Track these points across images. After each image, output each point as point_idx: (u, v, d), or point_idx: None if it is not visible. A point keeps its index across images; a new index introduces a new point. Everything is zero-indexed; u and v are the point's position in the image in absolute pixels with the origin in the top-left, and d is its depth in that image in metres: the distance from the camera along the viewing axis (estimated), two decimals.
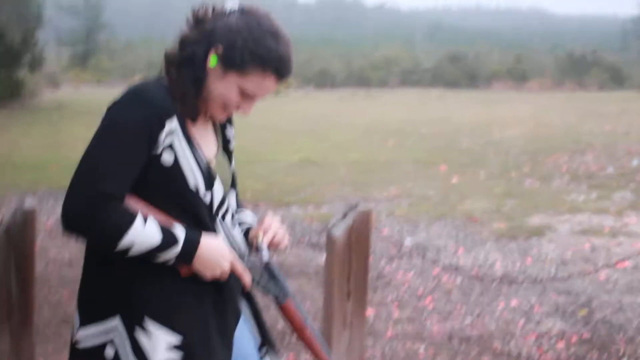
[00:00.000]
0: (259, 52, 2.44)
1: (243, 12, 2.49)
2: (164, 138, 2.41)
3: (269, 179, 13.44)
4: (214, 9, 2.52)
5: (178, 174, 2.43)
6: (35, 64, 32.37)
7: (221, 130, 2.74)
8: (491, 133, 22.62)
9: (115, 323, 2.46)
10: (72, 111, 28.13)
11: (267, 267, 2.63)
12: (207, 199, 2.50)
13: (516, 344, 5.87)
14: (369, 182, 13.35)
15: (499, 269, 7.95)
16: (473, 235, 9.38)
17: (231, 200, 2.70)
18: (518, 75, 63.71)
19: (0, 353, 4.13)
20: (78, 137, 19.70)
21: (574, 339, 5.98)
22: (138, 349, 2.44)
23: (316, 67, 69.75)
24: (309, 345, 2.72)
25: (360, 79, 65.11)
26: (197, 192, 2.46)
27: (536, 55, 78.21)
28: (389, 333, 6.06)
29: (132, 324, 2.44)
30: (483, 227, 9.78)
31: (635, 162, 15.89)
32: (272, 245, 2.65)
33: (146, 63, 62.62)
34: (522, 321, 6.37)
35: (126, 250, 2.36)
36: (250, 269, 2.59)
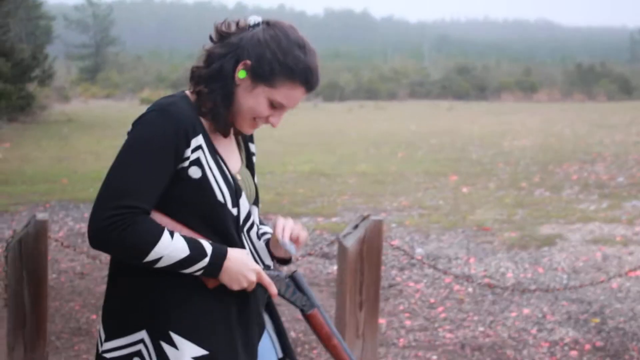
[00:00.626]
0: (287, 64, 2.46)
1: (269, 24, 2.51)
2: (190, 153, 2.42)
3: (278, 190, 13.46)
4: (237, 23, 2.54)
5: (206, 188, 2.45)
6: (45, 79, 32.51)
7: (244, 145, 2.75)
8: (501, 144, 22.61)
9: (142, 336, 2.47)
10: (81, 125, 28.26)
11: (293, 278, 2.64)
12: (235, 213, 2.52)
13: (529, 352, 5.85)
14: (379, 193, 13.35)
15: (510, 278, 7.93)
16: (484, 244, 9.36)
17: (255, 215, 2.71)
18: (527, 86, 63.70)
19: None
20: (88, 150, 19.82)
21: (587, 347, 5.96)
22: None
23: (325, 79, 69.94)
24: (336, 354, 2.72)
25: (369, 91, 65.19)
26: (225, 205, 2.48)
27: (545, 66, 78.31)
28: (402, 342, 6.05)
29: (158, 337, 2.45)
30: (494, 237, 9.76)
31: None
32: (293, 240, 2.65)
33: (155, 76, 62.98)
34: (534, 330, 6.35)
35: (154, 262, 2.37)
36: (276, 279, 2.60)
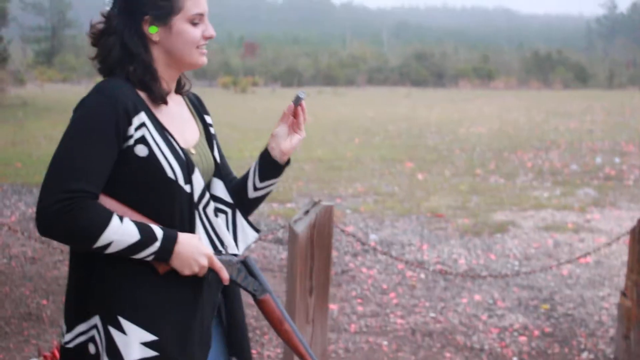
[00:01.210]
0: None
1: None
2: (133, 132, 2.40)
3: (234, 175, 13.39)
4: (101, 13, 2.55)
5: (154, 164, 2.42)
6: (0, 62, 32.08)
7: (200, 118, 2.73)
8: (457, 131, 22.75)
9: (95, 321, 2.45)
10: (37, 108, 27.96)
11: (245, 263, 2.62)
12: (188, 189, 2.49)
13: (479, 338, 5.91)
14: (334, 179, 13.38)
15: (462, 264, 7.99)
16: (438, 231, 9.42)
17: (216, 189, 2.67)
18: (484, 73, 64.16)
19: None
20: (43, 135, 19.63)
21: (536, 333, 6.02)
22: (112, 347, 2.42)
23: (283, 66, 69.84)
24: (287, 339, 2.70)
25: (328, 77, 65.26)
26: (175, 181, 2.45)
27: (502, 54, 78.84)
28: (353, 328, 6.07)
29: (108, 322, 2.43)
30: (448, 224, 9.83)
31: (598, 160, 16.04)
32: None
33: None
34: (484, 316, 6.41)
35: (104, 248, 2.35)
36: (228, 264, 2.58)
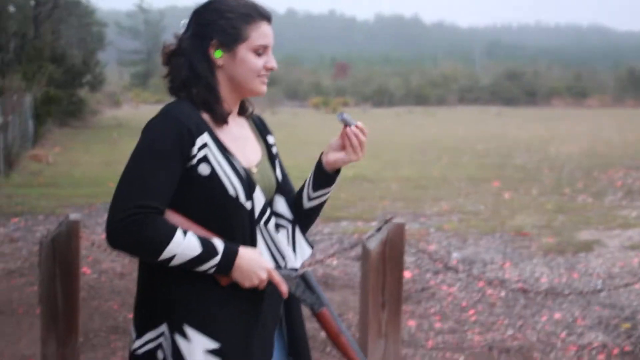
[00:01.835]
0: (241, 14, 2.62)
1: (197, 10, 2.68)
2: (196, 152, 2.55)
3: None
4: (175, 35, 2.71)
5: (216, 183, 2.56)
6: (96, 84, 33.05)
7: (263, 138, 2.86)
8: (547, 149, 22.54)
9: (163, 329, 2.60)
10: (131, 129, 28.63)
11: (303, 277, 2.73)
12: (249, 206, 2.62)
13: (556, 355, 5.90)
14: (420, 198, 13.42)
15: (544, 282, 7.97)
16: (521, 249, 9.39)
17: (277, 206, 2.80)
18: (577, 92, 63.23)
19: (47, 356, 4.31)
20: None
21: (615, 351, 5.98)
22: (177, 353, 2.57)
23: (374, 85, 70.01)
24: (344, 352, 2.79)
25: (418, 97, 65.21)
26: (237, 198, 2.58)
27: (596, 72, 77.54)
28: (430, 344, 6.13)
29: (174, 330, 2.58)
30: (532, 242, 9.79)
31: None
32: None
33: None
34: (563, 334, 6.39)
35: (168, 260, 2.49)
36: (287, 278, 2.70)
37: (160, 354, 2.61)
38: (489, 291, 7.64)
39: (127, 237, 2.46)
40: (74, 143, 24.58)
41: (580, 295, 7.33)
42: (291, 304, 2.84)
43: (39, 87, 24.25)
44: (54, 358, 4.32)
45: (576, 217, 11.61)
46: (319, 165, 2.79)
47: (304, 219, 2.83)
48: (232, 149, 2.65)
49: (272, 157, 2.84)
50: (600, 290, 6.09)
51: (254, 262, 2.58)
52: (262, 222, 2.67)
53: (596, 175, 16.57)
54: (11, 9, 25.68)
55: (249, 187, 2.61)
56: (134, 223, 2.44)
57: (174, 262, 2.49)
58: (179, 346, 2.56)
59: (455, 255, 9.11)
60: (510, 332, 6.45)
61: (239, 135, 2.72)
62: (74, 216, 4.35)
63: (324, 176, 2.79)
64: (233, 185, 2.57)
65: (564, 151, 22.13)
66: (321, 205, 2.86)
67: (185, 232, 2.49)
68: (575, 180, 15.77)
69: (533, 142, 25.34)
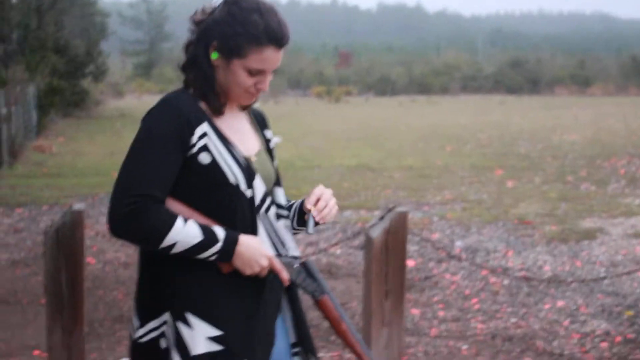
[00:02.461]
0: (248, 32, 2.57)
1: (226, 2, 2.63)
2: (196, 141, 2.56)
3: (324, 184, 13.49)
4: (203, 9, 2.67)
5: (217, 172, 2.58)
6: (99, 75, 33.05)
7: (261, 131, 2.88)
8: (550, 138, 22.54)
9: (166, 317, 2.62)
10: (134, 119, 28.56)
11: (304, 265, 2.75)
12: (249, 194, 2.64)
13: (559, 343, 5.92)
14: (423, 187, 13.44)
15: (547, 271, 7.98)
16: (524, 238, 9.41)
17: (277, 197, 2.82)
18: (581, 80, 63.14)
19: (53, 346, 4.34)
20: None
21: (618, 339, 6.00)
22: (180, 341, 2.59)
23: (377, 75, 69.98)
24: (345, 339, 2.81)
25: (421, 86, 65.18)
26: (237, 186, 2.60)
27: (600, 59, 77.42)
28: (433, 332, 6.15)
29: (177, 318, 2.60)
30: (535, 230, 9.80)
31: None
32: (321, 216, 2.75)
33: None
34: (566, 322, 6.41)
35: (169, 248, 2.51)
36: (288, 266, 2.71)
37: (163, 342, 2.63)
38: (492, 279, 7.66)
39: (129, 225, 2.48)
40: (78, 133, 24.61)
41: (583, 283, 7.34)
42: (293, 291, 2.86)
43: (42, 77, 24.27)
44: (60, 347, 4.35)
45: (579, 205, 11.62)
46: (301, 208, 2.83)
47: None
48: (232, 138, 2.67)
49: (269, 150, 2.85)
50: (603, 278, 6.09)
51: (255, 250, 2.59)
52: (262, 210, 2.69)
53: (599, 163, 16.57)
54: None
55: (249, 175, 2.63)
56: (135, 212, 2.46)
57: (175, 250, 2.51)
58: (182, 334, 2.58)
59: (458, 243, 9.13)
60: (513, 320, 6.47)
61: (237, 126, 2.74)
62: (78, 206, 4.37)
63: (302, 218, 2.84)
64: (234, 173, 2.59)
65: (566, 139, 22.12)
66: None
67: (185, 220, 2.51)
68: (579, 169, 15.77)
69: (536, 130, 25.33)
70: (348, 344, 2.80)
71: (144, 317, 2.67)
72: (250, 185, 2.63)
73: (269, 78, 2.66)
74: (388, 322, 4.73)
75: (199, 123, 2.57)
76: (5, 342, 5.80)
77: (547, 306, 6.83)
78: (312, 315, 6.15)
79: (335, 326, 2.80)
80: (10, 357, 5.58)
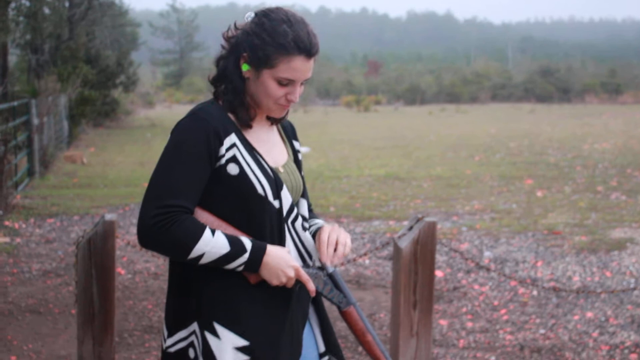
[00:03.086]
0: (277, 42, 2.60)
1: (257, 14, 2.67)
2: (225, 152, 2.60)
3: (353, 194, 13.62)
4: (235, 24, 2.71)
5: (245, 182, 2.62)
6: (129, 85, 33.26)
7: (289, 142, 2.92)
8: (580, 147, 22.41)
9: (194, 327, 2.67)
10: (165, 129, 28.84)
11: (330, 276, 2.79)
12: (277, 205, 2.68)
13: (588, 355, 5.90)
14: (452, 197, 13.42)
15: (576, 281, 7.96)
16: (553, 248, 9.38)
17: (302, 208, 2.87)
18: (612, 88, 62.70)
19: (83, 356, 4.39)
20: None
21: None
22: (208, 351, 2.63)
23: (406, 83, 69.91)
24: (370, 350, 2.84)
25: (451, 95, 64.99)
26: (265, 197, 2.64)
27: (631, 67, 76.83)
28: (461, 343, 6.15)
29: (205, 328, 2.64)
30: (564, 241, 9.76)
31: None
32: (333, 258, 2.79)
33: None
34: (595, 333, 6.39)
35: (197, 259, 2.56)
36: (314, 277, 2.75)
37: (191, 352, 2.67)
38: (521, 290, 7.65)
39: (157, 236, 2.52)
40: (108, 143, 24.80)
41: (612, 294, 7.32)
42: (319, 301, 2.90)
43: (73, 88, 24.47)
44: (90, 357, 4.40)
45: (609, 215, 11.56)
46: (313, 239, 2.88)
47: None
48: (260, 149, 2.71)
49: (297, 161, 2.89)
50: (633, 289, 6.06)
51: (282, 260, 2.63)
52: (289, 221, 2.73)
53: (630, 173, 16.46)
54: (46, 10, 25.93)
55: (276, 186, 2.67)
56: (164, 222, 2.51)
57: (203, 261, 2.55)
58: (210, 344, 2.62)
59: (487, 254, 9.11)
60: (542, 331, 6.45)
61: (266, 138, 2.78)
62: (109, 216, 4.42)
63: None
64: (261, 184, 2.63)
65: (597, 148, 21.99)
66: None
67: (213, 231, 2.55)
68: (609, 178, 15.67)
69: (566, 139, 25.21)
70: (373, 356, 2.83)
71: (173, 327, 2.71)
72: (277, 196, 2.67)
73: (300, 89, 2.70)
74: (416, 333, 4.73)
75: (227, 134, 2.61)
76: (36, 352, 5.86)
77: (576, 317, 6.80)
78: (341, 325, 6.18)
79: (360, 337, 2.82)
80: None
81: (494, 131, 29.50)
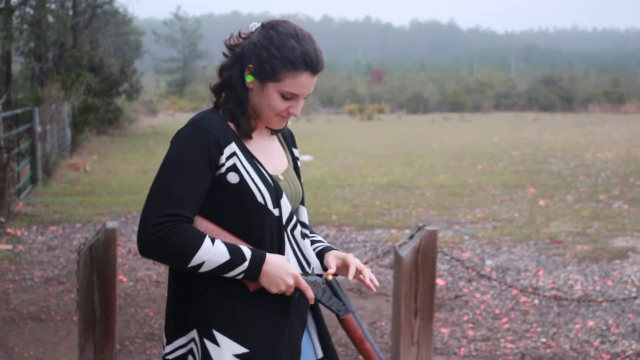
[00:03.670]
0: (284, 56, 2.62)
1: (263, 26, 2.68)
2: (225, 161, 2.62)
3: (355, 202, 13.63)
4: (240, 33, 2.73)
5: (245, 191, 2.63)
6: (133, 93, 33.31)
7: (289, 150, 2.94)
8: (583, 156, 22.41)
9: (193, 335, 2.68)
10: (168, 137, 28.66)
11: (329, 284, 2.80)
12: (276, 213, 2.70)
13: None
14: (455, 205, 13.42)
15: (578, 290, 7.96)
16: (555, 257, 9.38)
17: (301, 215, 2.89)
18: (615, 97, 62.71)
19: None
20: None
21: None
22: (207, 358, 2.64)
23: (409, 92, 69.91)
24: (368, 358, 2.85)
25: (454, 104, 64.99)
26: (265, 205, 2.66)
27: (634, 76, 76.80)
28: (462, 352, 6.15)
29: (204, 335, 2.65)
30: (566, 250, 9.76)
31: None
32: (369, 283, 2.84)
33: None
34: (597, 342, 6.39)
35: (197, 267, 2.57)
36: (313, 284, 2.76)
37: (191, 359, 2.68)
38: (523, 299, 7.65)
39: (157, 245, 2.54)
40: (111, 151, 24.84)
41: (614, 303, 7.32)
42: (317, 308, 2.91)
43: (76, 96, 24.52)
44: None
45: (612, 224, 11.56)
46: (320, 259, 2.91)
47: None
48: (260, 158, 2.73)
49: (297, 169, 2.91)
50: (634, 298, 6.06)
51: (281, 268, 2.64)
52: (289, 229, 2.75)
53: (633, 182, 16.46)
54: (50, 18, 26.00)
55: (276, 194, 2.69)
56: (163, 231, 2.52)
57: (203, 269, 2.57)
58: (209, 351, 2.63)
59: (488, 263, 9.11)
60: (543, 340, 6.45)
61: (266, 146, 2.80)
62: (111, 224, 4.44)
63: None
64: (261, 192, 2.64)
65: (600, 157, 22.00)
66: None
67: (213, 240, 2.57)
68: (611, 187, 15.67)
69: (569, 148, 25.21)
70: None
71: (173, 334, 2.73)
72: (277, 204, 2.69)
73: (301, 103, 2.72)
74: (417, 341, 4.74)
75: (227, 143, 2.63)
76: (37, 359, 5.87)
77: (577, 326, 6.81)
78: (341, 334, 6.19)
79: (359, 345, 2.84)
80: None
81: (497, 140, 29.51)
